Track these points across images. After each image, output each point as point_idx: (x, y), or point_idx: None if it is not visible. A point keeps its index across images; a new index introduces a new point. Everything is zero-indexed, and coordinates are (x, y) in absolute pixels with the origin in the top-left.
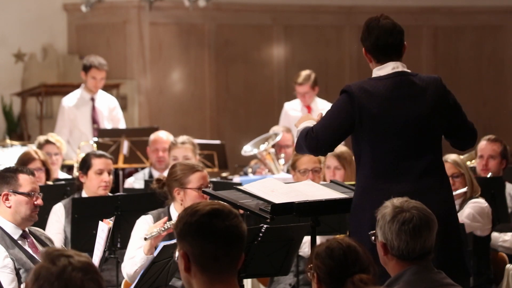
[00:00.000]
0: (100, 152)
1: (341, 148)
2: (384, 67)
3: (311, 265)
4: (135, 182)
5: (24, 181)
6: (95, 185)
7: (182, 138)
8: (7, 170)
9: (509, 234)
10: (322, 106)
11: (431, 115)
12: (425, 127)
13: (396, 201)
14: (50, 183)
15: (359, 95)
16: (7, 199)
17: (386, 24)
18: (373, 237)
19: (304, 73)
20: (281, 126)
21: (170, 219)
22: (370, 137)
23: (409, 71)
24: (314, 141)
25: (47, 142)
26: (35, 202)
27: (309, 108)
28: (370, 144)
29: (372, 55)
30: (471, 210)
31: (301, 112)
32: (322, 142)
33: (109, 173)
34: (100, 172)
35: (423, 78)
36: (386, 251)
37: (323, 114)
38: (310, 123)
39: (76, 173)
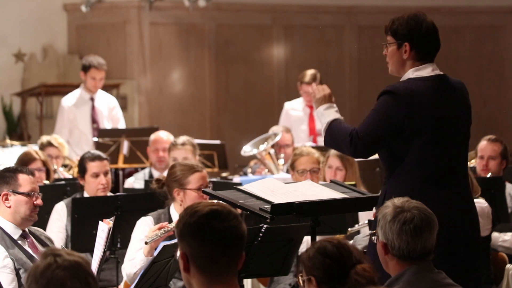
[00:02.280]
0: (94, 154)
1: None
2: (423, 67)
3: (301, 273)
4: (135, 182)
5: (24, 181)
6: (93, 188)
7: (182, 139)
8: (7, 170)
9: (509, 234)
10: None
11: (467, 119)
12: (463, 131)
13: (397, 201)
14: (46, 182)
15: (408, 96)
16: (6, 199)
17: (432, 22)
18: (373, 237)
19: (311, 72)
20: (281, 126)
21: (170, 220)
22: (419, 139)
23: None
24: (361, 146)
25: (50, 144)
26: (35, 202)
27: (311, 108)
28: (418, 147)
29: (419, 52)
30: None
31: (303, 111)
32: (369, 147)
33: (105, 174)
34: (95, 176)
35: (455, 81)
36: (387, 251)
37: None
38: (332, 111)
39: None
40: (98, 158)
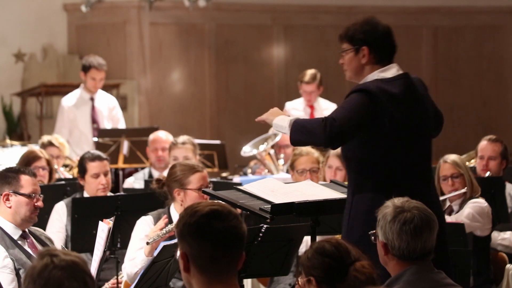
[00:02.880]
0: (94, 154)
1: None
2: (388, 68)
3: (301, 276)
4: (135, 182)
5: (26, 182)
6: (93, 188)
7: (183, 138)
8: (9, 170)
9: (508, 232)
10: (325, 106)
11: (432, 117)
12: (430, 129)
13: (397, 201)
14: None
15: (381, 96)
16: (7, 199)
17: (387, 25)
18: (373, 237)
19: (310, 72)
20: None
21: (170, 219)
22: (389, 141)
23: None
24: (336, 129)
25: (50, 144)
26: (36, 204)
27: (312, 108)
28: (388, 149)
29: (377, 54)
30: (471, 210)
31: (303, 111)
32: (344, 132)
33: (105, 175)
34: (95, 176)
35: (416, 79)
36: (387, 251)
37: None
38: (287, 118)
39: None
40: (98, 158)
